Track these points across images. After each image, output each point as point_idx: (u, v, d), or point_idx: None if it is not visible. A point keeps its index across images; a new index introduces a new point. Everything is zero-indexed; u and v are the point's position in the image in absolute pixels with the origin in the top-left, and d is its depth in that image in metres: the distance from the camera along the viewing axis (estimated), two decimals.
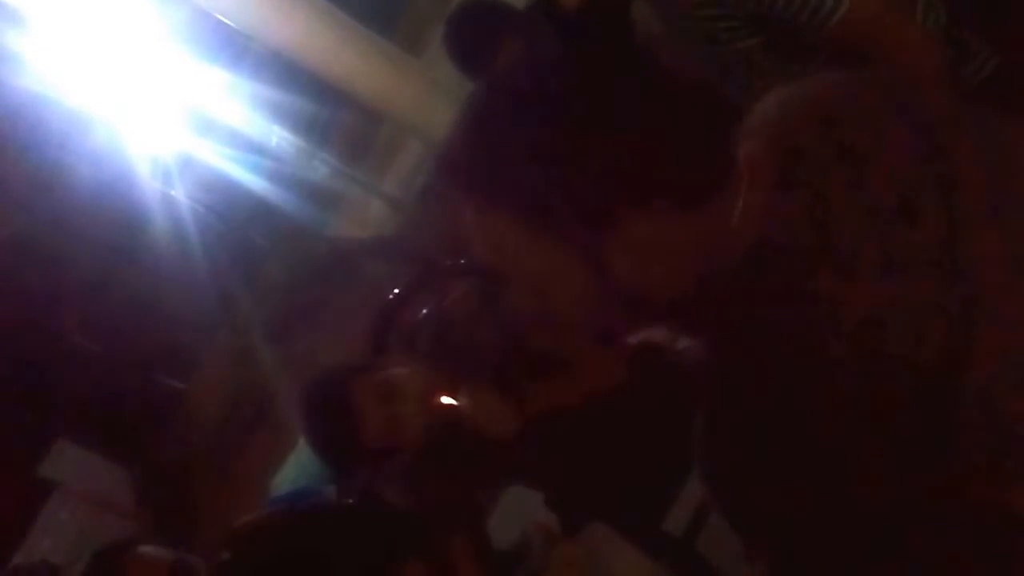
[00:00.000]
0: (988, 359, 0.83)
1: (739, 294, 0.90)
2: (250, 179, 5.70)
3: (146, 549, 1.93)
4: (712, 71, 1.84)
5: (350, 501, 2.81)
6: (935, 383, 0.83)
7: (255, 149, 5.45)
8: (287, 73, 4.69)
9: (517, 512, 2.19)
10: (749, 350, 0.92)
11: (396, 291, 2.40)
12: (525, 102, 0.86)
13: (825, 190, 0.89)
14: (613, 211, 0.85)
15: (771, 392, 0.90)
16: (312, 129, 5.62)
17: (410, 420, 1.74)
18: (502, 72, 0.93)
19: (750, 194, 0.90)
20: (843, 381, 0.86)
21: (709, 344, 0.99)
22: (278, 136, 5.35)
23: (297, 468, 3.86)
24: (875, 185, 0.89)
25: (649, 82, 0.88)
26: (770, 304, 0.89)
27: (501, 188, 0.87)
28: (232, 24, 4.03)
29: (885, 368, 0.84)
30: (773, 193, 0.90)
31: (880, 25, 1.55)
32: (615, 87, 0.86)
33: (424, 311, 1.92)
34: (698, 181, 0.88)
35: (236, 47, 4.41)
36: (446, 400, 1.78)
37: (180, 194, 5.60)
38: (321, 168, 5.53)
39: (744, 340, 0.92)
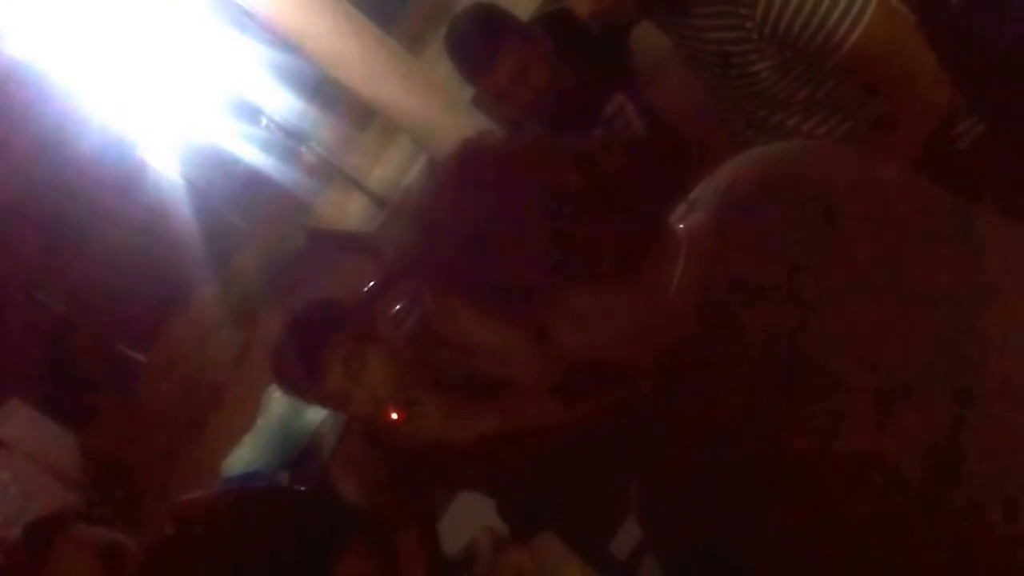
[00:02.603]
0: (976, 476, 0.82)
1: (684, 361, 0.93)
2: (236, 159, 5.68)
3: (79, 528, 1.89)
4: (720, 96, 1.85)
5: (301, 488, 2.81)
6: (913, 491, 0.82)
7: (244, 131, 5.43)
8: (284, 58, 4.68)
9: (469, 517, 2.19)
10: (697, 419, 0.93)
11: (371, 284, 2.40)
12: (464, 191, 0.92)
13: (769, 263, 0.91)
14: (552, 287, 0.89)
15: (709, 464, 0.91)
16: (303, 117, 5.60)
17: (358, 405, 1.74)
18: (449, 159, 0.96)
19: (688, 263, 0.93)
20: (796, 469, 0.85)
21: (653, 409, 1.00)
22: (267, 120, 5.32)
23: (250, 451, 3.84)
24: (826, 255, 0.91)
25: (580, 170, 0.92)
26: (716, 371, 0.91)
27: (449, 272, 0.92)
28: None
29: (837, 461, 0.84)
30: (714, 264, 0.93)
31: (892, 55, 1.55)
32: (547, 176, 0.91)
33: (399, 306, 1.92)
34: (632, 253, 0.91)
35: (237, 23, 4.39)
36: (395, 414, 1.78)
37: (169, 165, 5.56)
38: (308, 157, 5.51)
39: (692, 408, 0.93)
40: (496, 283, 0.89)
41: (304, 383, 1.76)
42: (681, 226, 0.99)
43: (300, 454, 3.85)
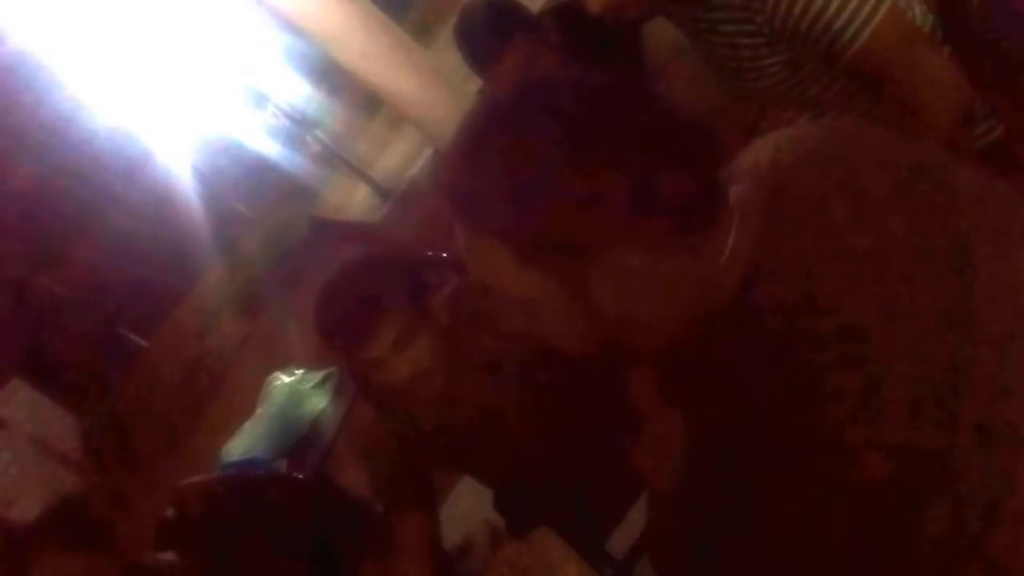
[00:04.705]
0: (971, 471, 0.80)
1: (726, 349, 0.89)
2: (242, 146, 5.67)
3: (57, 553, 1.83)
4: (732, 92, 1.84)
5: (299, 476, 2.82)
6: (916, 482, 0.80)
7: (251, 118, 5.43)
8: (292, 45, 4.68)
9: (466, 511, 2.19)
10: (728, 418, 0.89)
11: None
12: (518, 129, 0.86)
13: (815, 241, 0.88)
14: (599, 243, 0.85)
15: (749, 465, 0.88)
16: (310, 105, 5.60)
17: (391, 374, 1.70)
18: (499, 95, 0.91)
19: (739, 236, 0.90)
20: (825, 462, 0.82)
21: (686, 406, 0.96)
22: (274, 107, 5.31)
23: (249, 438, 3.85)
24: (865, 237, 0.88)
25: (646, 117, 0.88)
26: (758, 362, 0.87)
27: (491, 214, 0.87)
28: None
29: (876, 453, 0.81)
30: (762, 238, 0.90)
31: (901, 59, 1.54)
32: (611, 120, 0.86)
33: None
34: (688, 219, 0.87)
35: (245, 9, 4.38)
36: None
37: (175, 151, 5.56)
38: (313, 146, 5.50)
39: (723, 405, 0.90)
40: (543, 232, 0.85)
41: (348, 341, 1.70)
42: (731, 196, 0.94)
43: (299, 442, 3.86)
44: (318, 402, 4.04)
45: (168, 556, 1.93)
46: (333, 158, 5.48)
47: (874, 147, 0.99)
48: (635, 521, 1.89)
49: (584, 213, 0.83)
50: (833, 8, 1.49)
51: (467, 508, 2.21)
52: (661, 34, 2.22)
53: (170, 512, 2.01)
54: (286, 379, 4.23)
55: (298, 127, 5.34)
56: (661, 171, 0.85)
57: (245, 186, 6.40)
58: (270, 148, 5.64)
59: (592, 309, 0.89)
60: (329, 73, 5.11)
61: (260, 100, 5.28)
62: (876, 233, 0.88)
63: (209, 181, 6.02)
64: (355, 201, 5.51)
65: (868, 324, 0.84)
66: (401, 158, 5.32)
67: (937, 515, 0.79)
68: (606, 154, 0.83)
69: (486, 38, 2.29)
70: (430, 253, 2.12)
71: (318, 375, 4.13)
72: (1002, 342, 0.84)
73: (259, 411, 4.11)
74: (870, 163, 0.96)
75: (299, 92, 5.46)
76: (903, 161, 0.96)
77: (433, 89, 3.69)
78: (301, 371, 4.22)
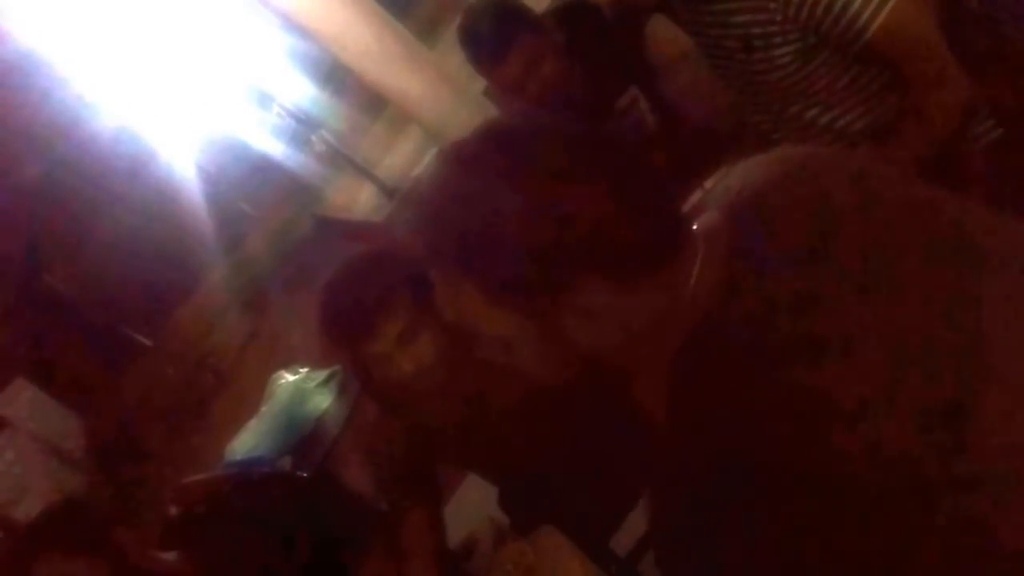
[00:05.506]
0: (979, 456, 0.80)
1: (704, 369, 0.91)
2: (246, 146, 5.67)
3: (55, 557, 1.83)
4: (738, 88, 1.85)
5: (303, 474, 2.82)
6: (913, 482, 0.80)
7: (256, 117, 5.43)
8: (297, 45, 4.68)
9: (470, 509, 2.19)
10: (703, 428, 0.91)
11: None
12: (484, 173, 0.89)
13: (784, 269, 0.90)
14: (566, 277, 0.87)
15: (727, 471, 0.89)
16: (314, 105, 5.60)
17: (396, 372, 1.70)
18: (467, 139, 0.94)
19: (705, 263, 0.92)
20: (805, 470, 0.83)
21: (663, 414, 0.97)
22: (279, 107, 5.31)
23: (254, 437, 3.85)
24: (837, 261, 0.90)
25: (609, 161, 0.91)
26: (737, 381, 0.89)
27: (460, 257, 0.90)
28: None
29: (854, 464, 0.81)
30: (729, 266, 0.92)
31: (912, 47, 1.57)
32: (574, 164, 0.88)
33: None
34: (653, 250, 0.90)
35: (250, 9, 4.39)
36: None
37: (180, 151, 5.57)
38: (318, 145, 5.50)
39: (699, 416, 0.92)
40: (505, 267, 0.87)
41: (351, 337, 1.71)
42: (696, 226, 0.98)
43: (303, 440, 3.87)
44: (322, 400, 4.04)
45: (172, 555, 1.93)
46: (338, 158, 5.47)
47: (846, 169, 1.01)
48: (639, 518, 1.90)
49: (549, 255, 0.86)
50: None
51: (471, 505, 2.21)
52: (664, 35, 2.22)
53: (174, 511, 2.02)
54: (290, 377, 4.23)
55: (303, 127, 5.33)
56: (623, 212, 0.87)
57: (249, 185, 6.40)
58: (275, 148, 5.64)
59: (566, 344, 0.93)
60: (334, 73, 5.12)
61: (264, 100, 5.27)
62: (854, 253, 0.90)
63: (213, 180, 6.02)
64: (360, 200, 5.51)
65: (855, 341, 0.85)
66: (406, 158, 5.32)
67: (944, 511, 0.79)
68: (570, 198, 0.86)
69: (490, 39, 2.29)
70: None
71: (322, 374, 4.14)
72: (1012, 353, 0.85)
73: (263, 409, 4.11)
74: (842, 185, 0.97)
75: (303, 92, 5.46)
76: (868, 190, 0.97)
77: (437, 89, 3.70)
78: (305, 370, 4.23)
